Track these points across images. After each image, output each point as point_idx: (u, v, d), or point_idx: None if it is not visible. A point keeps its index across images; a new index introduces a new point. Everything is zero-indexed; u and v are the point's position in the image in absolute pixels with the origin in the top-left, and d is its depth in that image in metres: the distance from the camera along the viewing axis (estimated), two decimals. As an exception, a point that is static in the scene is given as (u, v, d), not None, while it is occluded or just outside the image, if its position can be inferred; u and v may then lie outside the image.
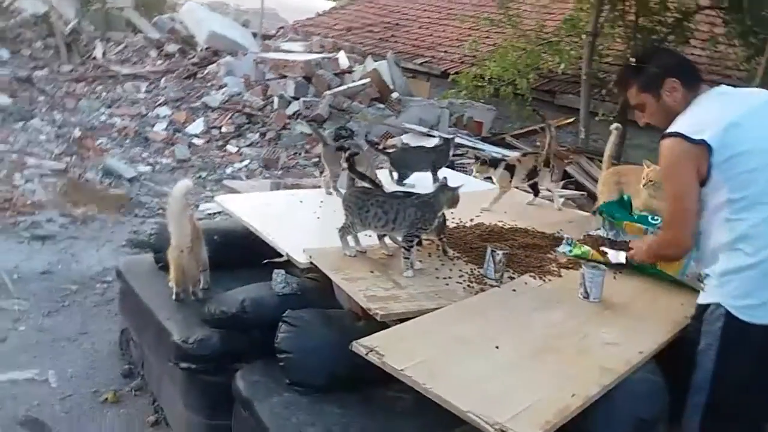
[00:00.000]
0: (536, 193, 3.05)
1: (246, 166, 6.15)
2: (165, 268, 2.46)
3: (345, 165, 2.34)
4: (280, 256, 2.31)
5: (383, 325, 1.80)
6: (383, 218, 2.11)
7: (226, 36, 9.16)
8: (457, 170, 5.87)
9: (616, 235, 2.44)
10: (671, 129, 1.74)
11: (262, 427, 1.76)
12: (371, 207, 2.12)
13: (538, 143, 7.54)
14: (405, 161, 3.18)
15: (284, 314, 1.97)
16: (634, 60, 2.00)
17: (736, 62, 7.87)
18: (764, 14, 6.93)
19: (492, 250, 2.14)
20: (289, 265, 2.27)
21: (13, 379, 2.53)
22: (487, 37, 9.97)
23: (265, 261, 2.32)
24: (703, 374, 1.71)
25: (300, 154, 6.50)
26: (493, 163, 2.96)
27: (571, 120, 8.19)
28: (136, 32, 10.56)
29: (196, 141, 6.59)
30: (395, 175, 3.22)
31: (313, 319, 1.99)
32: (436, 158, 3.19)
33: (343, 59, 8.17)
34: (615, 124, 3.20)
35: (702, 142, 1.65)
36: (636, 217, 2.38)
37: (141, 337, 2.53)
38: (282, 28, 12.39)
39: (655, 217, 2.35)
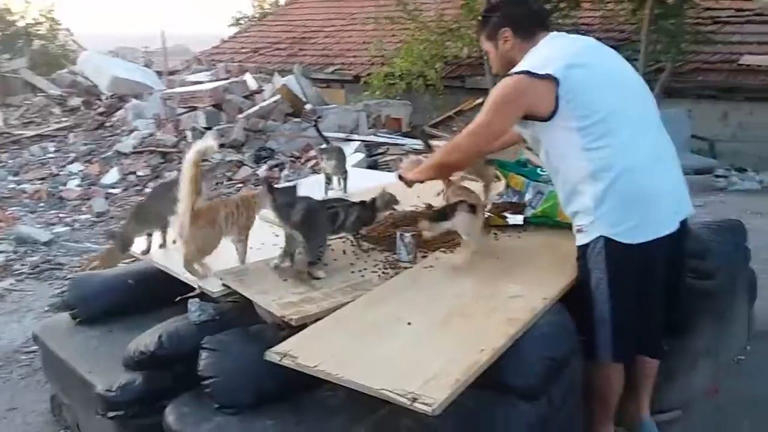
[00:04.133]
0: None
1: (169, 206, 6.01)
2: (82, 323, 2.43)
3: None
4: (194, 290, 2.26)
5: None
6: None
7: (129, 79, 8.97)
8: (380, 169, 5.95)
9: (519, 199, 2.51)
10: (514, 70, 1.83)
11: (197, 456, 1.73)
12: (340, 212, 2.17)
13: (455, 129, 7.70)
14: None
15: (203, 341, 1.94)
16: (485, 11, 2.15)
17: (625, 17, 8.26)
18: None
19: (400, 234, 2.17)
20: (206, 295, 2.23)
21: (-56, 472, 2.39)
22: (393, 35, 10.12)
23: (178, 298, 2.26)
24: (601, 307, 1.79)
25: (222, 183, 6.42)
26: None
27: (480, 101, 8.39)
28: (35, 93, 10.20)
29: (113, 191, 6.41)
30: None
31: (234, 340, 1.95)
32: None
33: (250, 80, 8.11)
34: None
35: (547, 76, 1.74)
36: (526, 170, 2.44)
37: (70, 397, 2.43)
38: (187, 61, 12.21)
39: (543, 169, 2.41)
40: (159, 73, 10.29)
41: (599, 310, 1.81)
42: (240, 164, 6.59)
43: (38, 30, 16.22)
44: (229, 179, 6.54)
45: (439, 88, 8.74)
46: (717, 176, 6.39)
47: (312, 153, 6.59)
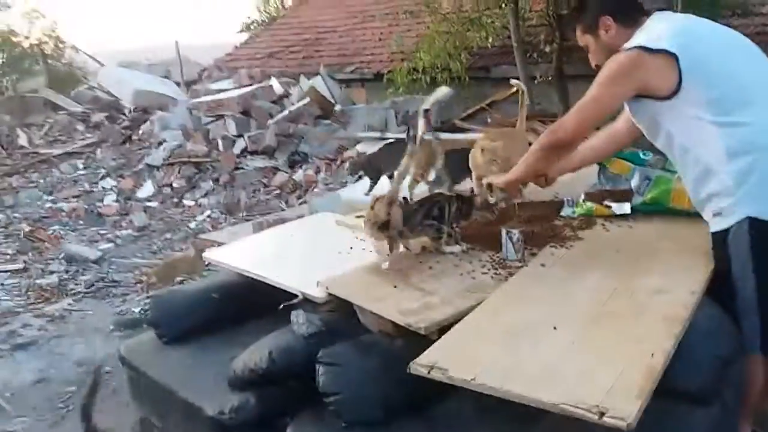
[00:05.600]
0: None
1: (208, 216, 5.95)
2: (169, 342, 2.37)
3: None
4: (292, 297, 2.18)
5: (421, 338, 1.70)
6: None
7: (152, 91, 8.92)
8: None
9: (614, 185, 2.40)
10: (626, 46, 1.74)
11: (332, 477, 1.64)
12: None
13: (489, 120, 7.58)
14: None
15: (318, 355, 1.85)
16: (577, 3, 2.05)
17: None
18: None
19: (507, 231, 2.07)
20: (302, 303, 2.15)
21: (37, 504, 2.33)
22: (409, 30, 9.98)
23: (282, 305, 2.18)
24: (747, 296, 1.68)
25: (259, 190, 6.34)
26: None
27: (515, 90, 8.25)
28: (57, 111, 10.18)
29: (150, 204, 6.36)
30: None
31: (350, 352, 1.87)
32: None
33: (276, 85, 8.03)
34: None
35: (664, 51, 1.67)
36: (626, 154, 2.30)
37: (165, 421, 2.35)
38: (205, 69, 12.13)
39: (646, 153, 2.29)
40: (177, 84, 10.23)
41: (745, 299, 1.69)
42: (275, 170, 6.52)
43: (44, 49, 16.21)
44: (265, 186, 6.47)
45: (464, 80, 8.59)
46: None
47: (347, 154, 6.50)
